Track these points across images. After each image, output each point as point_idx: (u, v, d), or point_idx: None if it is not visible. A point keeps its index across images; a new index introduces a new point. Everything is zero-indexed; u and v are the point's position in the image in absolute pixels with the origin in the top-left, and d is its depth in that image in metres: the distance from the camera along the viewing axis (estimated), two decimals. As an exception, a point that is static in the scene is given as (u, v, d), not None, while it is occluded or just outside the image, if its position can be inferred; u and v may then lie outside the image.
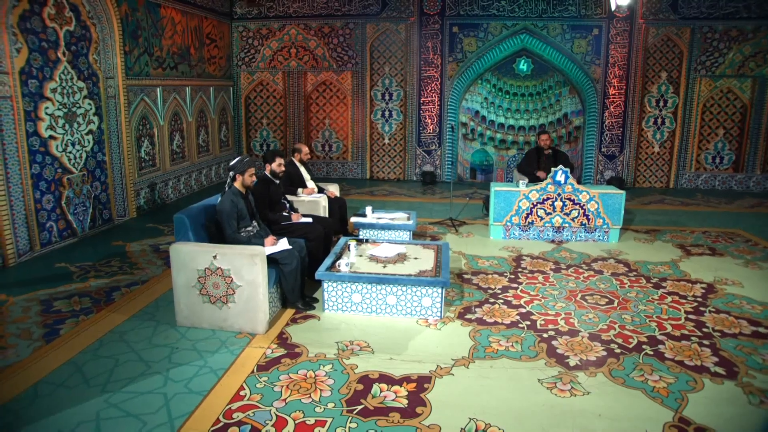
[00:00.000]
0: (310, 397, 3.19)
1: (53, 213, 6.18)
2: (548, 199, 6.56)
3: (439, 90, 10.63)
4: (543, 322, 4.27)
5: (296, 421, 2.95)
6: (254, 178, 4.57)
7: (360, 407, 3.09)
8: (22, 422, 2.94)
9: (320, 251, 5.03)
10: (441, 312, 4.32)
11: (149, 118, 8.05)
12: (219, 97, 10.47)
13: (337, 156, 11.27)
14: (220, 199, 4.40)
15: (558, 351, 3.79)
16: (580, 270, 5.56)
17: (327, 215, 6.17)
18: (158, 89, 8.25)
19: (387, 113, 10.91)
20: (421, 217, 7.68)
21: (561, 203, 6.55)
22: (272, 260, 4.27)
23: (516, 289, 5.00)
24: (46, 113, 6.02)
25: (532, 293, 4.89)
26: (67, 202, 6.39)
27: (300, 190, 6.37)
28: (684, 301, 4.75)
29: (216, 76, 10.34)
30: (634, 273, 5.48)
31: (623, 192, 6.56)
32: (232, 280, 3.97)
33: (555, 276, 5.36)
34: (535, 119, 10.99)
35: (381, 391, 3.25)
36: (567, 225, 6.62)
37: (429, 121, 10.77)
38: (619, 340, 3.96)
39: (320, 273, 4.37)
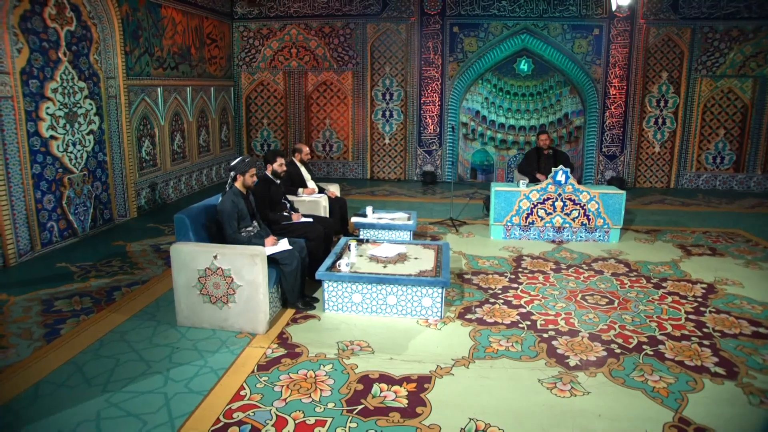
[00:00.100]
0: (310, 396, 3.20)
1: (54, 213, 6.18)
2: (549, 199, 6.56)
3: (440, 90, 10.63)
4: (543, 322, 4.27)
5: (296, 421, 2.96)
6: (255, 179, 4.58)
7: (360, 407, 3.09)
8: (22, 422, 2.95)
9: (320, 251, 5.04)
10: (441, 312, 4.33)
11: (150, 118, 8.06)
12: (220, 97, 10.48)
13: (337, 156, 11.27)
14: (220, 199, 4.40)
15: (558, 351, 3.79)
16: (581, 270, 5.56)
17: (327, 215, 6.18)
18: (159, 89, 8.25)
19: (388, 113, 10.91)
20: (422, 217, 7.68)
21: (561, 203, 6.55)
22: (272, 260, 4.27)
23: (516, 289, 5.00)
24: (47, 113, 6.03)
25: (532, 293, 4.90)
26: (67, 202, 6.39)
27: (300, 190, 6.37)
28: (684, 301, 4.75)
29: (217, 76, 10.35)
30: (635, 273, 5.48)
31: (623, 192, 6.56)
32: (232, 280, 3.97)
33: (555, 276, 5.36)
34: (536, 119, 10.99)
35: (381, 391, 3.26)
36: (567, 225, 6.62)
37: (429, 121, 10.77)
38: (620, 341, 3.96)
39: (320, 273, 4.38)
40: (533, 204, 6.58)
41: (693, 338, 4.02)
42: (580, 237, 6.65)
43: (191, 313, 4.11)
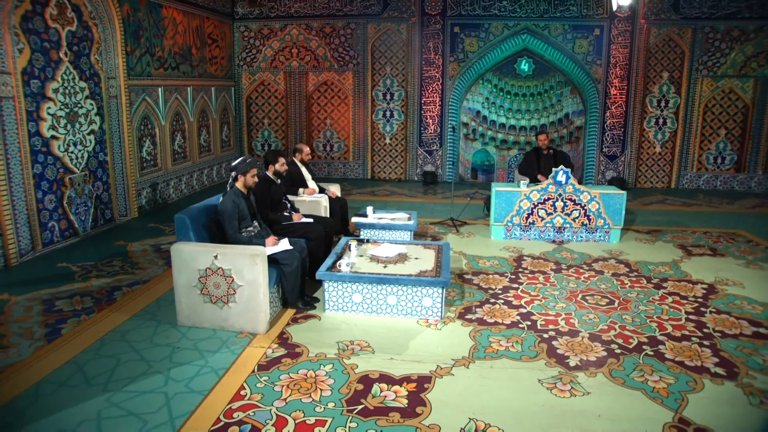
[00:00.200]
0: (310, 396, 3.20)
1: (55, 213, 6.20)
2: (549, 199, 6.56)
3: (441, 90, 10.63)
4: (543, 323, 4.27)
5: (296, 421, 2.96)
6: (256, 179, 4.58)
7: (360, 407, 3.10)
8: (23, 421, 2.96)
9: (321, 251, 5.04)
10: (441, 312, 4.33)
11: (151, 118, 8.07)
12: (220, 97, 10.49)
13: (338, 156, 11.28)
14: (221, 199, 4.41)
15: (558, 351, 3.80)
16: (581, 270, 5.56)
17: (328, 215, 6.18)
18: (160, 89, 8.26)
19: (388, 113, 10.92)
20: (422, 217, 7.69)
21: (562, 203, 6.55)
22: (273, 260, 4.28)
23: (516, 289, 5.00)
24: (48, 113, 6.04)
25: (532, 293, 4.90)
26: (68, 202, 6.40)
27: (301, 190, 6.38)
28: (685, 301, 4.75)
29: (217, 76, 10.36)
30: (635, 273, 5.48)
31: (624, 192, 6.56)
32: (233, 280, 3.98)
33: (555, 276, 5.36)
34: (537, 119, 10.99)
35: (381, 391, 3.26)
36: (568, 225, 6.62)
37: (430, 121, 10.77)
38: (620, 341, 3.96)
39: (321, 273, 4.38)
40: (534, 204, 6.58)
41: (693, 338, 4.02)
42: (581, 237, 6.65)
43: (192, 313, 4.12)
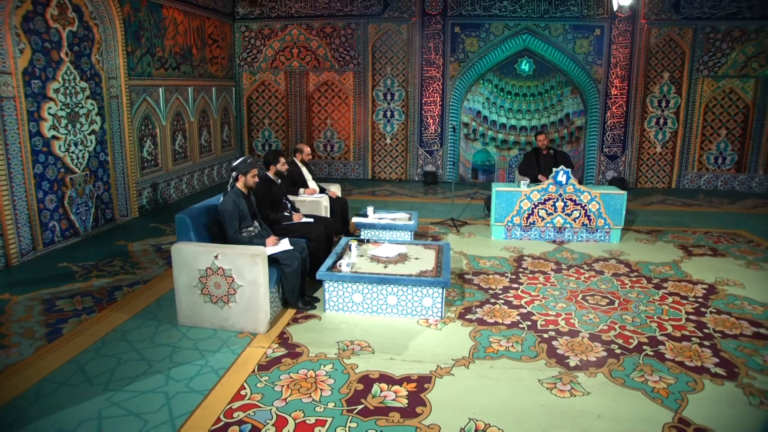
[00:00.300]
0: (310, 396, 3.21)
1: (56, 213, 6.20)
2: (549, 199, 6.56)
3: (441, 90, 10.63)
4: (543, 323, 4.27)
5: (296, 421, 2.97)
6: (257, 179, 4.59)
7: (360, 407, 3.10)
8: (24, 420, 2.96)
9: (321, 251, 5.05)
10: (441, 312, 4.33)
11: (151, 119, 8.08)
12: (221, 97, 10.50)
13: (338, 156, 11.28)
14: (222, 199, 4.41)
15: (558, 351, 3.80)
16: (581, 270, 5.56)
17: (328, 215, 6.19)
18: (160, 89, 8.27)
19: (389, 113, 10.92)
20: (423, 217, 7.69)
21: (562, 204, 6.55)
22: (273, 260, 4.28)
23: (517, 289, 5.00)
24: (49, 113, 6.04)
25: (532, 293, 4.90)
26: (69, 202, 6.41)
27: (302, 190, 6.38)
28: (685, 301, 4.75)
29: (218, 77, 10.37)
30: (635, 273, 5.48)
31: (624, 192, 6.56)
32: (233, 280, 3.98)
33: (556, 276, 5.36)
34: (537, 119, 10.99)
35: (381, 391, 3.26)
36: (568, 225, 6.62)
37: (431, 121, 10.78)
38: (620, 341, 3.96)
39: (321, 273, 4.39)
40: (534, 204, 6.58)
41: (693, 339, 4.02)
42: (581, 237, 6.65)
43: (192, 313, 4.12)
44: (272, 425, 2.92)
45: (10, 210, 5.48)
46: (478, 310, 4.51)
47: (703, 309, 4.59)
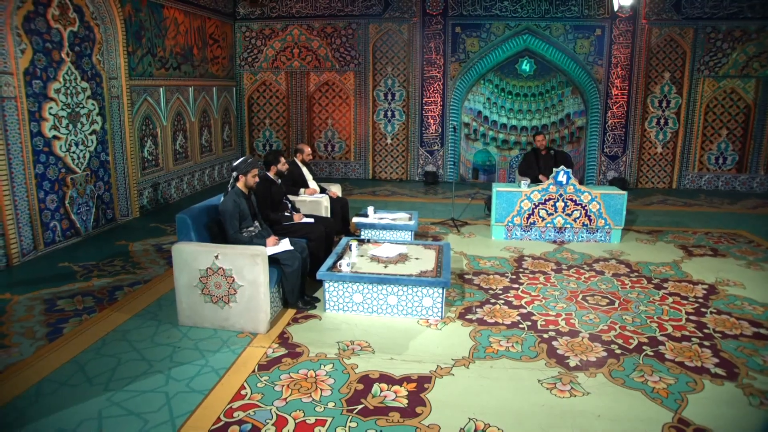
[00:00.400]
0: (310, 396, 3.21)
1: (57, 213, 6.21)
2: (550, 199, 6.56)
3: (442, 90, 10.64)
4: (543, 323, 4.27)
5: (296, 421, 2.97)
6: (257, 179, 4.59)
7: (360, 407, 3.10)
8: (24, 420, 2.97)
9: (322, 251, 5.05)
10: (442, 312, 4.34)
11: (152, 119, 8.09)
12: (222, 97, 10.50)
13: (339, 156, 11.29)
14: (222, 199, 4.42)
15: (558, 351, 3.80)
16: (582, 270, 5.56)
17: (329, 215, 6.19)
18: (161, 89, 8.28)
19: (389, 113, 10.92)
20: (423, 217, 7.69)
21: (563, 204, 6.55)
22: (274, 260, 4.29)
23: (517, 289, 5.00)
24: (50, 113, 6.05)
25: (533, 294, 4.90)
26: (70, 202, 6.42)
27: (302, 190, 6.39)
28: (685, 302, 4.75)
29: (219, 77, 10.37)
30: (636, 274, 5.48)
31: (625, 193, 6.56)
32: (233, 280, 3.99)
33: (556, 276, 5.36)
34: (538, 120, 10.99)
35: (381, 391, 3.27)
36: (569, 225, 6.62)
37: (431, 121, 10.78)
38: (620, 341, 3.96)
39: (321, 273, 4.39)
40: (534, 204, 6.58)
41: (693, 339, 4.02)
42: (582, 237, 6.65)
43: (193, 313, 4.13)
44: (272, 425, 2.93)
45: (11, 210, 5.49)
46: (478, 310, 4.51)
47: (703, 309, 4.59)
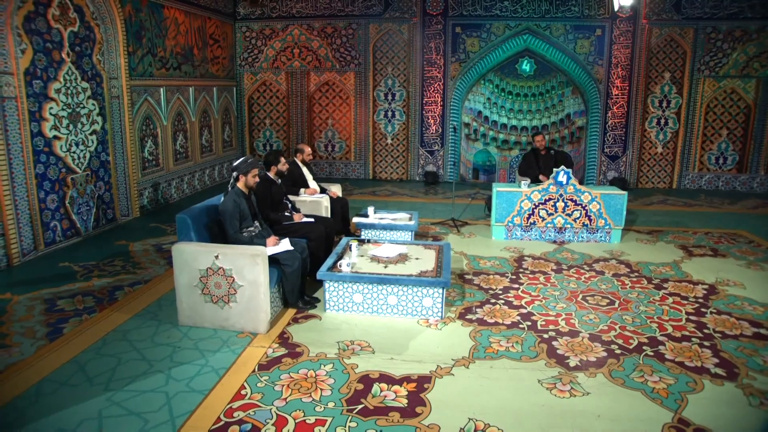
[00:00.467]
0: (310, 396, 3.21)
1: (57, 213, 6.22)
2: (550, 199, 6.56)
3: (442, 90, 10.64)
4: (543, 323, 4.27)
5: (296, 420, 2.97)
6: (257, 179, 4.59)
7: (360, 407, 3.10)
8: (24, 420, 2.97)
9: (322, 251, 5.05)
10: (442, 312, 4.34)
11: (153, 119, 8.09)
12: (222, 97, 10.51)
13: (339, 156, 11.29)
14: (222, 199, 4.42)
15: (558, 351, 3.80)
16: (582, 270, 5.56)
17: (329, 215, 6.19)
18: (161, 89, 8.28)
19: (390, 113, 10.93)
20: (424, 217, 7.69)
21: (563, 204, 6.55)
22: (274, 260, 4.29)
23: (517, 289, 5.00)
24: (51, 113, 6.06)
25: (533, 294, 4.90)
26: (71, 202, 6.43)
27: (302, 190, 6.39)
28: (685, 302, 4.75)
29: (219, 77, 10.38)
30: (636, 274, 5.48)
31: (625, 193, 6.56)
32: (233, 280, 3.99)
33: (556, 276, 5.36)
34: (538, 120, 10.99)
35: (381, 391, 3.27)
36: (569, 226, 6.62)
37: (432, 121, 10.78)
38: (620, 341, 3.96)
39: (322, 273, 4.39)
40: (534, 204, 6.58)
41: (693, 339, 4.02)
42: (582, 237, 6.65)
43: (193, 313, 4.13)
44: (272, 425, 2.93)
45: (11, 210, 5.49)
46: (478, 310, 4.51)
47: (703, 309, 4.59)
